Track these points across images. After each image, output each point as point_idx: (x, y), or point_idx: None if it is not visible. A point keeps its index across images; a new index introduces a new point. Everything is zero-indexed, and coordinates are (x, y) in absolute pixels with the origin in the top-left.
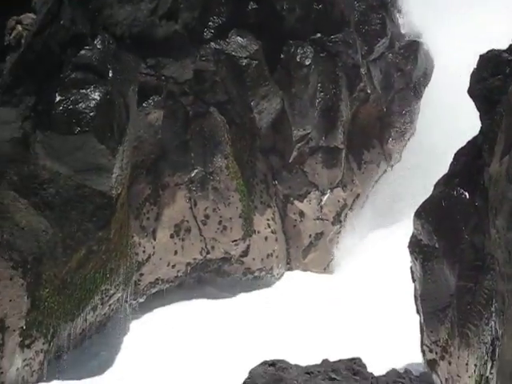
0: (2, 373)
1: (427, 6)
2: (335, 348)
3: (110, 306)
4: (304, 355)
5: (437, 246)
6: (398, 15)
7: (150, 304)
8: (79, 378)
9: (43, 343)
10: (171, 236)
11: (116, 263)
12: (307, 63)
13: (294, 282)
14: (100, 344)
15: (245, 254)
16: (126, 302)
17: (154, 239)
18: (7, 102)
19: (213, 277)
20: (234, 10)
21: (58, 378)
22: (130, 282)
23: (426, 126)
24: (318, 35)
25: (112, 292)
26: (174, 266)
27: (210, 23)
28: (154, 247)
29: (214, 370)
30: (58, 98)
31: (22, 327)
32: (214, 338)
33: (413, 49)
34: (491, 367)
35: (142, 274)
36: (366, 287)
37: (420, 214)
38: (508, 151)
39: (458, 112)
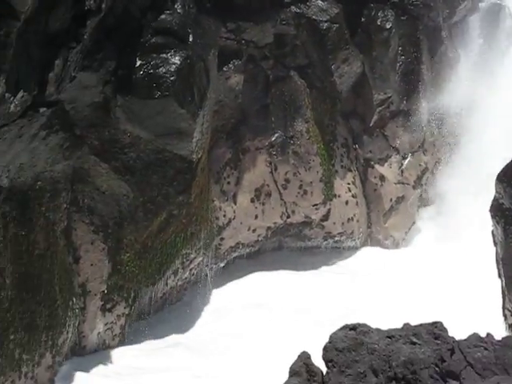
0: (84, 337)
1: None
2: (416, 313)
3: (190, 270)
4: (385, 321)
5: None
6: None
7: (231, 272)
8: (159, 343)
9: (124, 307)
10: (251, 200)
11: (197, 227)
12: (388, 26)
13: (374, 252)
14: (180, 310)
15: (325, 218)
16: (207, 266)
17: (235, 203)
18: (88, 66)
19: (293, 241)
20: None
21: (139, 342)
22: (210, 246)
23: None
24: None
25: (193, 256)
26: (254, 231)
27: None
28: (234, 211)
29: (292, 339)
30: (138, 63)
31: (104, 291)
32: (294, 307)
33: (495, 11)
34: None
35: (222, 239)
36: (447, 253)
37: (502, 178)
38: None
39: None
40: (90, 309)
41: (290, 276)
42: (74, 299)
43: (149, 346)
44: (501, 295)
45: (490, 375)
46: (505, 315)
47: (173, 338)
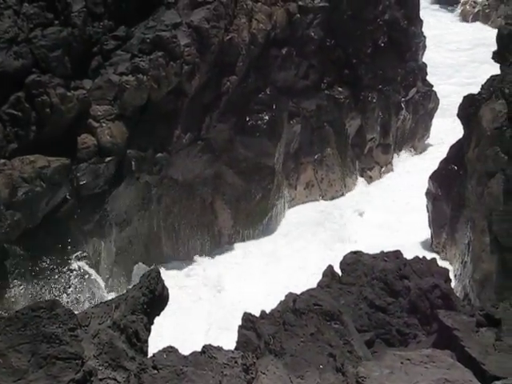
0: None
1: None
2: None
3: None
4: None
5: (440, 193)
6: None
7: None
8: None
9: None
10: (304, 188)
11: (276, 201)
12: (374, 101)
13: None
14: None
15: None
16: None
17: (295, 189)
18: (221, 121)
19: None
20: None
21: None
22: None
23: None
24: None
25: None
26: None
27: None
28: (295, 194)
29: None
30: (247, 119)
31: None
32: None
33: (428, 94)
34: (467, 255)
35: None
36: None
37: (432, 178)
38: (476, 146)
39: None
40: None
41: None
42: None
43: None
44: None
45: (425, 277)
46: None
47: None
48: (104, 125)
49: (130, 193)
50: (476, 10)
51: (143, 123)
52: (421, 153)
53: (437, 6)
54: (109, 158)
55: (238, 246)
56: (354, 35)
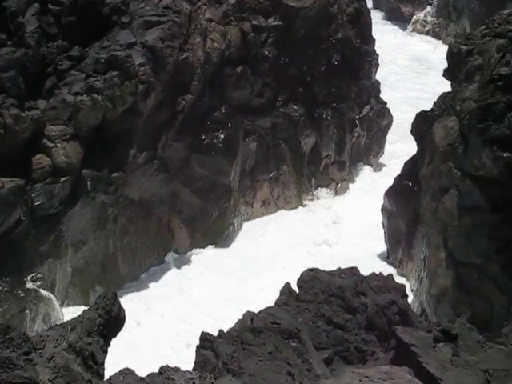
0: None
1: None
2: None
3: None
4: None
5: (395, 209)
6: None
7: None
8: None
9: None
10: (260, 206)
11: (232, 220)
12: (328, 118)
13: None
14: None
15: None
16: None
17: (252, 207)
18: (178, 140)
19: None
20: None
21: None
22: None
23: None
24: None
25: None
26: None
27: None
28: (252, 212)
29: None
30: (204, 137)
31: None
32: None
33: (382, 111)
34: (423, 271)
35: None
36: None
37: (387, 194)
38: (430, 163)
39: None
40: None
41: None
42: None
43: None
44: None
45: (382, 293)
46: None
47: None
48: (59, 145)
49: (86, 213)
50: (426, 28)
51: (98, 143)
52: (375, 169)
53: (388, 23)
54: (64, 178)
55: (195, 263)
56: (307, 54)
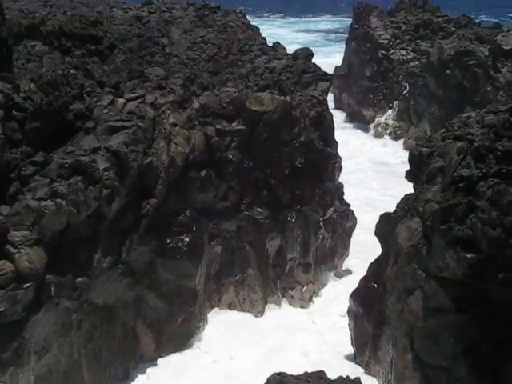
0: None
1: None
2: None
3: None
4: None
5: (361, 311)
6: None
7: None
8: None
9: None
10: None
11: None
12: (293, 221)
13: None
14: None
15: None
16: None
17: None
18: (142, 244)
19: None
20: None
21: None
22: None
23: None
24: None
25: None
26: None
27: None
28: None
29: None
30: (168, 242)
31: None
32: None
33: (345, 213)
34: (391, 373)
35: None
36: None
37: (352, 296)
38: (394, 264)
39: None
40: None
41: None
42: None
43: None
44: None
45: None
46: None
47: None
48: (22, 250)
49: (50, 319)
50: (388, 131)
51: (63, 248)
52: (340, 271)
53: (350, 126)
54: (27, 284)
55: (161, 368)
56: (271, 157)
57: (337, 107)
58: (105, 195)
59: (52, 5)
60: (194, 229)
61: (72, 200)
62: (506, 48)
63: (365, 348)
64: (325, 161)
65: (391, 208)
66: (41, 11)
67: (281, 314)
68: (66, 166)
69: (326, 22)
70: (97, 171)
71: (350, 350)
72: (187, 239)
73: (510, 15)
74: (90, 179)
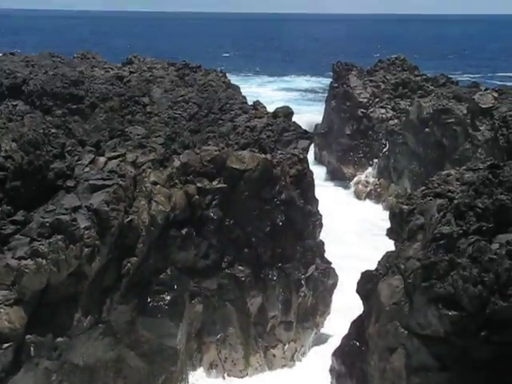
0: None
1: None
2: None
3: None
4: None
5: (343, 370)
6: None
7: None
8: None
9: None
10: (208, 369)
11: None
12: (274, 279)
13: None
14: None
15: None
16: None
17: (201, 367)
18: (122, 303)
19: None
20: None
21: None
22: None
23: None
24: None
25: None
26: None
27: None
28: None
29: None
30: (149, 300)
31: None
32: None
33: (327, 271)
34: None
35: None
36: None
37: (334, 354)
38: (376, 322)
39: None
40: None
41: None
42: None
43: None
44: None
45: None
46: None
47: None
48: (2, 310)
49: (29, 380)
50: (368, 188)
51: (43, 307)
52: (322, 329)
53: (331, 184)
54: (7, 345)
55: None
56: (252, 215)
57: (317, 163)
58: (86, 254)
59: (34, 64)
60: (175, 287)
61: (52, 259)
62: (483, 106)
63: None
64: (305, 218)
65: (372, 265)
66: (23, 71)
67: (263, 374)
68: (47, 224)
69: (305, 81)
70: (78, 230)
71: None
72: (168, 298)
73: (489, 75)
74: (70, 238)
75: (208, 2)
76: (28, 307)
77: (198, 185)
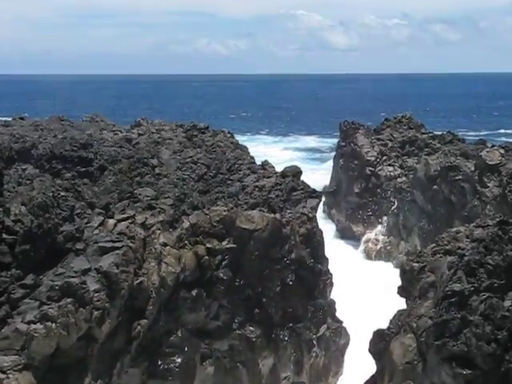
0: None
1: None
2: None
3: None
4: None
5: None
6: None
7: None
8: None
9: None
10: None
11: None
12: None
13: None
14: None
15: None
16: None
17: None
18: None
19: None
20: None
21: None
22: None
23: None
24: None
25: None
26: None
27: None
28: None
29: None
30: (160, 363)
31: None
32: None
33: (338, 330)
34: None
35: None
36: None
37: None
38: (389, 381)
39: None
40: None
41: None
42: None
43: None
44: None
45: None
46: None
47: None
48: (11, 376)
49: None
50: (378, 246)
51: (52, 371)
52: None
53: (342, 242)
54: None
55: None
56: (262, 274)
57: (326, 221)
58: (95, 317)
59: (43, 128)
60: (186, 349)
61: (62, 323)
62: (491, 163)
63: None
64: (316, 277)
65: (384, 324)
66: (32, 135)
67: None
68: (56, 288)
69: (313, 141)
70: (87, 293)
71: None
72: (179, 360)
73: (496, 132)
74: (80, 301)
75: (210, 64)
76: (37, 372)
77: (208, 245)
